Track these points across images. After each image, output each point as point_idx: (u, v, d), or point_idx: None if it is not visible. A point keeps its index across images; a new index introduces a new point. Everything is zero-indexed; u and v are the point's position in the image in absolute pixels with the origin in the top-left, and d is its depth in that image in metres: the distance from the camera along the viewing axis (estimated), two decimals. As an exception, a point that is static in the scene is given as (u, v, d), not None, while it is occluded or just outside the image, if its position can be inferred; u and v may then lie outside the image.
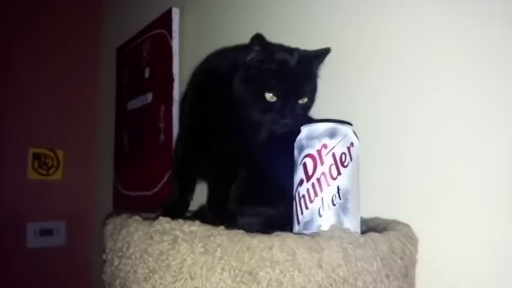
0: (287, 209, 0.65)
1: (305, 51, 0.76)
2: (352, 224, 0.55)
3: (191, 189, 0.86)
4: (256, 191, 0.75)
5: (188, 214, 0.83)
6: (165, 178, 1.36)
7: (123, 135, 1.69)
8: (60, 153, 1.92)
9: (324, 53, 0.75)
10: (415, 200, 0.69)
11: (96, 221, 1.99)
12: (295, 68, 0.73)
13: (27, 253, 1.83)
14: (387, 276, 0.52)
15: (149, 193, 1.46)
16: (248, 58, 0.72)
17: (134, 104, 1.60)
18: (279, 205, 0.68)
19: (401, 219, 0.67)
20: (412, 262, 0.59)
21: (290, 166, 0.63)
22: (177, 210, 0.80)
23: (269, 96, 0.70)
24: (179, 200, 0.82)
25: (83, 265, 1.97)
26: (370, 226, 0.67)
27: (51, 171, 1.90)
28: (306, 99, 0.72)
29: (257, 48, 0.71)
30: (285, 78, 0.71)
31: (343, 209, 0.54)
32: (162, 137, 1.39)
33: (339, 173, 0.55)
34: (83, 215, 1.99)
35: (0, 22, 1.82)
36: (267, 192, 0.72)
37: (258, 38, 0.71)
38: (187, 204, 0.84)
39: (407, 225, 0.63)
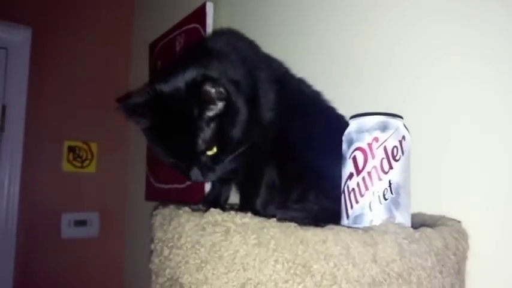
0: (330, 204, 0.65)
1: (192, 83, 0.61)
2: (404, 219, 0.54)
3: (229, 185, 0.86)
4: (300, 186, 0.74)
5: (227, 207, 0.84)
6: (198, 171, 1.37)
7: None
8: (93, 146, 1.97)
9: (198, 83, 0.60)
10: (464, 197, 0.67)
11: (128, 213, 2.04)
12: (180, 116, 0.60)
13: (62, 243, 1.89)
14: (441, 272, 0.51)
15: (182, 186, 1.48)
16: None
17: (167, 98, 1.62)
18: (323, 200, 0.68)
19: (444, 215, 0.65)
20: (464, 258, 0.57)
21: (334, 160, 0.62)
22: (218, 203, 0.81)
23: (168, 161, 0.64)
24: (219, 194, 0.83)
25: (115, 255, 2.02)
26: (414, 222, 0.66)
27: (85, 163, 1.94)
28: (215, 148, 0.61)
29: (124, 114, 0.62)
30: (169, 138, 0.61)
31: (395, 203, 0.54)
32: (195, 130, 1.40)
33: (391, 167, 0.54)
34: (116, 207, 2.04)
35: (35, 19, 1.87)
36: (311, 187, 0.72)
37: (120, 104, 0.62)
38: (227, 199, 0.85)
39: (458, 221, 0.62)
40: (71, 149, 1.91)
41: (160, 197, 1.65)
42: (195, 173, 0.63)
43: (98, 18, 2.04)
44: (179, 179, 1.49)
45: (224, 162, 0.64)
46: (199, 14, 1.39)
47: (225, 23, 1.34)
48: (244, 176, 0.77)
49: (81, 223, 1.93)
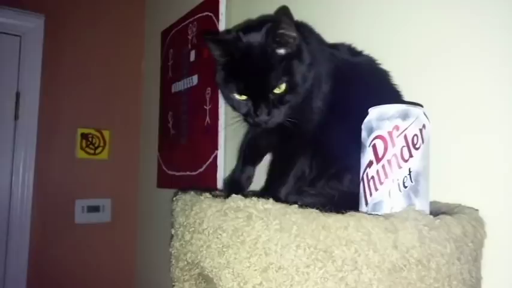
0: (349, 189, 0.66)
1: (272, 25, 0.68)
2: (423, 206, 0.55)
3: (253, 167, 0.87)
4: (318, 172, 0.75)
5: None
6: (211, 159, 1.38)
7: (168, 116, 1.72)
8: (106, 133, 1.98)
9: (277, 22, 0.66)
10: (481, 185, 0.68)
11: (140, 199, 2.06)
12: (257, 54, 0.68)
13: (75, 228, 1.93)
14: (459, 259, 0.52)
15: (194, 173, 1.49)
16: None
17: (179, 86, 1.63)
18: (341, 185, 0.69)
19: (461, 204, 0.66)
20: (481, 246, 0.58)
21: (352, 146, 0.63)
22: (240, 185, 0.82)
23: (237, 96, 0.70)
24: (241, 176, 0.84)
25: (126, 240, 2.06)
26: (430, 209, 0.66)
27: (98, 150, 1.97)
28: (283, 86, 0.67)
29: (210, 46, 0.71)
30: (243, 73, 0.68)
31: (414, 191, 0.54)
32: (207, 119, 1.41)
33: (411, 155, 0.54)
34: (128, 193, 2.07)
35: (48, 7, 1.87)
36: (328, 173, 0.72)
37: (205, 37, 0.72)
38: (249, 177, 0.86)
39: (475, 209, 0.62)
40: (84, 136, 1.93)
41: (172, 184, 1.67)
42: (262, 111, 0.67)
43: (111, 5, 2.04)
44: (192, 166, 1.50)
45: (286, 108, 0.68)
46: (213, 2, 1.39)
47: (238, 12, 1.34)
48: (276, 160, 0.79)
49: (94, 209, 1.96)
